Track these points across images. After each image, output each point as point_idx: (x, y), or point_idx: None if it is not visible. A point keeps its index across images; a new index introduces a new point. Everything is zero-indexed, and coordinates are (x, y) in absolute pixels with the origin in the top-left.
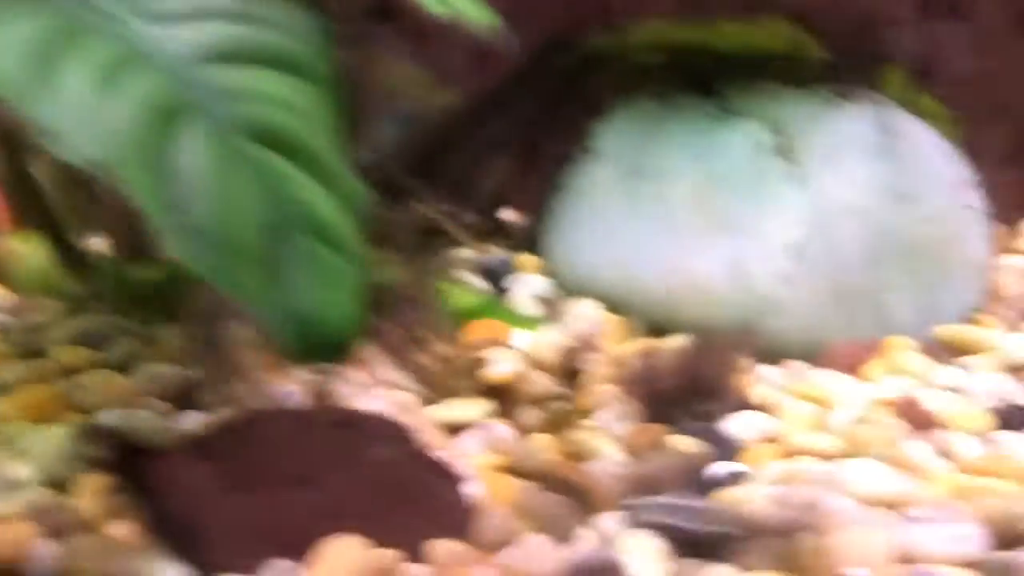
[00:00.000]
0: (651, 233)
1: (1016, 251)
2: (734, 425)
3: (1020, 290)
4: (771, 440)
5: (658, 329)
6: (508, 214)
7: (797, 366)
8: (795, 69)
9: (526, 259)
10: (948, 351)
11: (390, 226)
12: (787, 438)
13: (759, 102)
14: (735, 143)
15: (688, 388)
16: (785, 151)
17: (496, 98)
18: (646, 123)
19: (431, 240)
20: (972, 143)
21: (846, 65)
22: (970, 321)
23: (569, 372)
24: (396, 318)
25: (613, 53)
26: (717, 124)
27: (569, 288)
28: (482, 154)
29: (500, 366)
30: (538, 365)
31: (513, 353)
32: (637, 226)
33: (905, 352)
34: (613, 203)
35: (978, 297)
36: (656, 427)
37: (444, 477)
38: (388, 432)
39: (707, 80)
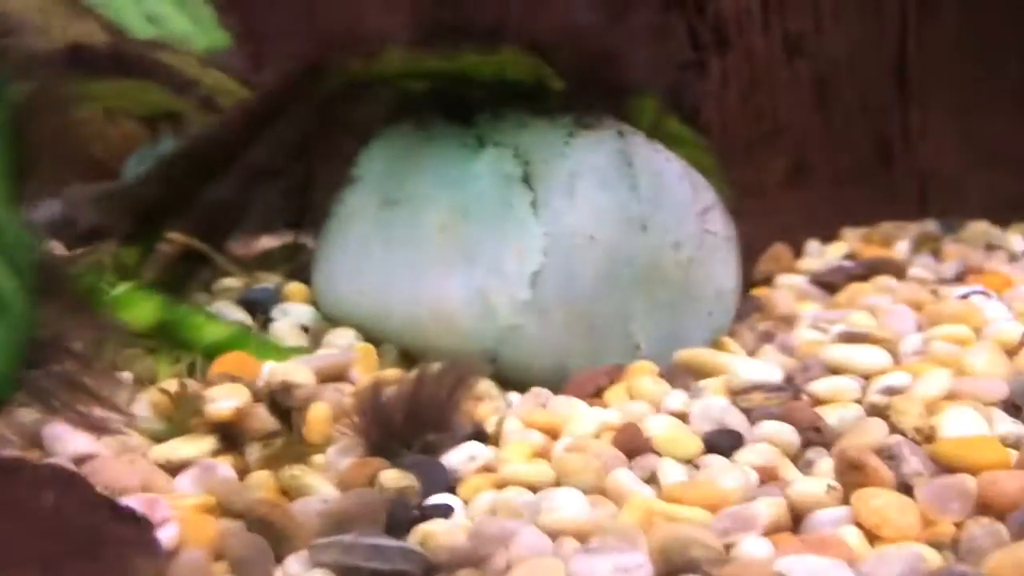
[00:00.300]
0: (402, 262)
1: (797, 271)
2: (456, 456)
3: (785, 310)
4: (488, 470)
5: (411, 359)
6: (286, 241)
7: (542, 393)
8: (542, 99)
9: (296, 288)
10: (689, 375)
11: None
12: (503, 468)
13: (508, 131)
14: (483, 172)
15: (414, 420)
16: (527, 181)
17: (250, 123)
18: (404, 151)
19: (192, 270)
20: (752, 169)
21: (591, 96)
22: (716, 345)
23: (281, 409)
24: (59, 367)
25: (370, 80)
26: (468, 153)
27: (331, 317)
28: (249, 180)
29: (222, 403)
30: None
31: (244, 388)
32: (390, 255)
33: (645, 377)
34: (370, 231)
35: (725, 321)
36: (375, 461)
37: (129, 521)
38: (60, 478)
39: (462, 108)
